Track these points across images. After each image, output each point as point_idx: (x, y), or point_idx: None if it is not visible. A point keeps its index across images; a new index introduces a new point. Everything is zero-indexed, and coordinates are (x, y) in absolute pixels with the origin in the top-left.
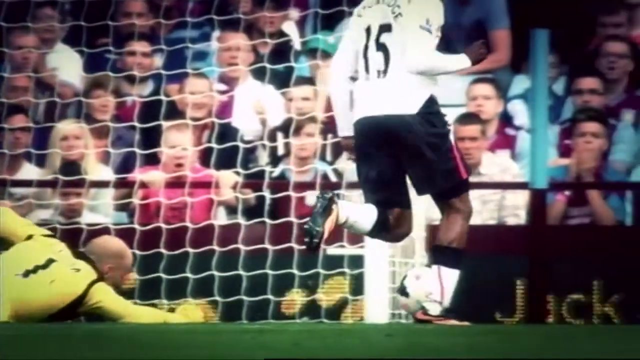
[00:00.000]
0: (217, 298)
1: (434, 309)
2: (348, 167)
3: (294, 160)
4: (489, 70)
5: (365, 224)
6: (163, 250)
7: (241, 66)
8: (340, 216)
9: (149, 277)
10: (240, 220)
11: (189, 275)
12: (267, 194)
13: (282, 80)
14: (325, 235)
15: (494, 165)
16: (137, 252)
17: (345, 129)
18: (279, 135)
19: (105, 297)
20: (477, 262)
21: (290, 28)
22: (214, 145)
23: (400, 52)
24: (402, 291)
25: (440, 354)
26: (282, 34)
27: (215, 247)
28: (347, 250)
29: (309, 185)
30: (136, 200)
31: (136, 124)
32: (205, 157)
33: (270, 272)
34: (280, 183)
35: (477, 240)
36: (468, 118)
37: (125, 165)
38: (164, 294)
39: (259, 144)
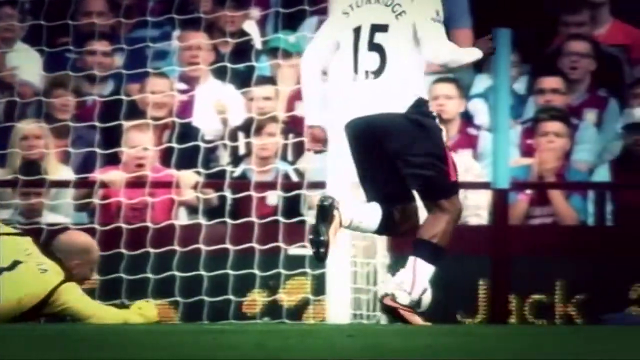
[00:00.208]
0: (178, 298)
1: (403, 298)
2: (309, 166)
3: (255, 160)
4: (451, 70)
5: (371, 224)
6: (123, 251)
7: (202, 65)
8: (344, 219)
9: (110, 277)
10: (201, 220)
11: (149, 275)
12: (228, 194)
13: (243, 80)
14: (332, 242)
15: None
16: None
17: (314, 118)
18: (240, 135)
19: (71, 297)
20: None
21: (251, 27)
22: (174, 145)
23: (399, 51)
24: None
25: (402, 355)
26: (243, 33)
27: (176, 247)
28: (308, 250)
29: (270, 185)
30: (96, 200)
31: (96, 123)
32: (165, 157)
33: (231, 272)
34: (241, 183)
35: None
36: None
37: (86, 165)
38: (125, 295)
39: (220, 144)
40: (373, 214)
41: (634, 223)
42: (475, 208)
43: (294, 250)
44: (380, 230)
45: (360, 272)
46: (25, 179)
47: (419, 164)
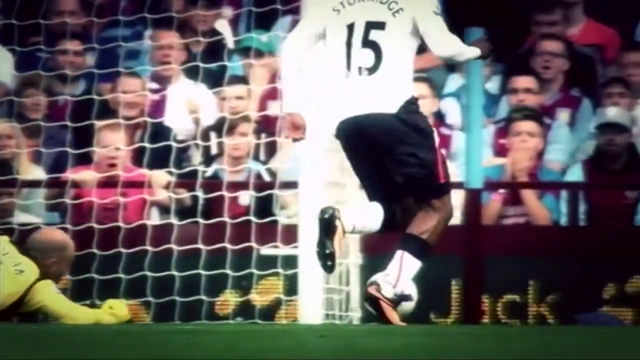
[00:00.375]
0: (150, 299)
1: (387, 291)
2: (282, 166)
3: (227, 160)
4: (424, 69)
5: (373, 225)
6: (95, 251)
7: (174, 65)
8: (346, 227)
9: (81, 277)
10: (173, 220)
11: (121, 275)
12: (200, 194)
13: (215, 79)
14: (338, 252)
15: None
16: None
17: (293, 105)
18: (212, 135)
19: (47, 297)
20: None
21: (223, 26)
22: (146, 144)
23: (396, 49)
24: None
25: (375, 355)
26: (215, 32)
27: (148, 248)
28: (280, 250)
29: (243, 185)
30: (68, 200)
31: (68, 123)
32: (137, 157)
33: (203, 272)
34: (213, 183)
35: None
36: None
37: (57, 164)
38: (96, 295)
39: (192, 144)
40: (374, 214)
41: (607, 223)
42: None
43: (266, 250)
44: (383, 229)
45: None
46: None
47: (410, 164)
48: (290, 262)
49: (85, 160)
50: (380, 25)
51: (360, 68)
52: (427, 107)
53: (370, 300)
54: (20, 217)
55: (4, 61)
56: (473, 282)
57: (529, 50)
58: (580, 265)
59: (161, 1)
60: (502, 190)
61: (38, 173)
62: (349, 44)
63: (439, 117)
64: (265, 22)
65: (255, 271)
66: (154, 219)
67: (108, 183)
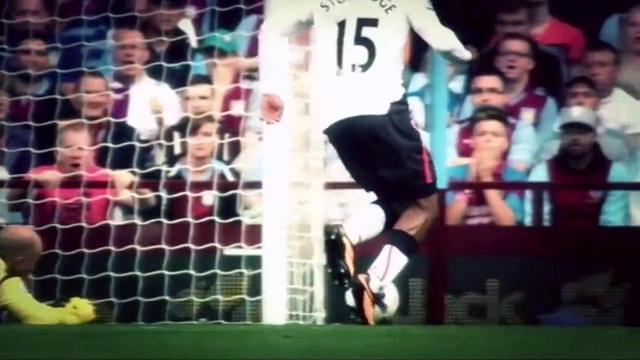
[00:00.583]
0: (113, 299)
1: (374, 284)
2: (245, 166)
3: (190, 160)
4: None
5: (377, 229)
6: (58, 251)
7: (137, 64)
8: (353, 240)
9: (44, 277)
10: (137, 220)
11: (84, 276)
12: (164, 194)
13: (178, 79)
14: (352, 268)
15: None
16: None
17: (270, 86)
18: (176, 135)
19: (14, 295)
20: None
21: (186, 26)
22: (109, 144)
23: (389, 46)
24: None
25: (339, 356)
26: (178, 32)
27: (111, 248)
28: (244, 250)
29: (206, 185)
30: (31, 200)
31: (31, 123)
32: (101, 157)
33: (166, 272)
34: (176, 183)
35: (375, 239)
36: None
37: (20, 164)
38: (59, 295)
39: (155, 143)
40: (376, 220)
41: (572, 223)
42: None
43: (229, 250)
44: (387, 228)
45: (296, 273)
46: None
47: (398, 164)
48: (254, 262)
49: (48, 160)
50: (373, 22)
51: (353, 65)
52: None
53: (356, 287)
54: None
55: None
56: (436, 282)
57: (494, 49)
58: (545, 265)
59: (124, 1)
60: (466, 191)
61: (0, 173)
62: (340, 42)
63: None
64: (228, 21)
65: (218, 271)
66: (117, 219)
67: (71, 183)
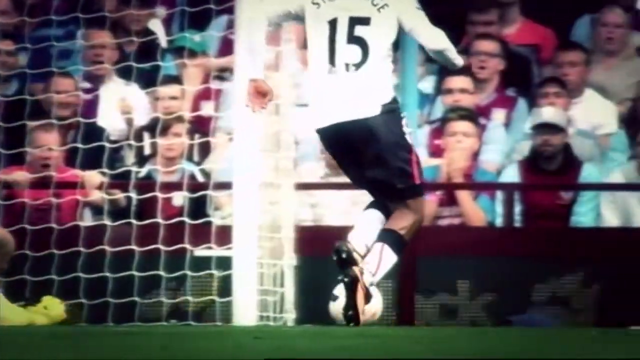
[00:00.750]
0: (83, 300)
1: (367, 278)
2: (216, 167)
3: (160, 161)
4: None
5: (378, 230)
6: (28, 252)
7: (106, 64)
8: (361, 250)
9: (13, 278)
10: (106, 221)
11: (54, 277)
12: (134, 195)
13: (148, 79)
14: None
15: None
16: None
17: (256, 71)
18: (146, 135)
19: None
20: None
21: (156, 26)
22: (79, 145)
23: (381, 44)
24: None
25: (309, 356)
26: (148, 32)
27: (81, 249)
28: (214, 251)
29: (176, 186)
30: (0, 201)
31: (0, 123)
32: (70, 157)
33: (136, 273)
34: (146, 183)
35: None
36: None
37: None
38: (29, 296)
39: (125, 144)
40: (374, 222)
41: (543, 224)
42: None
43: (200, 251)
44: None
45: (267, 274)
46: None
47: (389, 164)
48: (224, 263)
49: (17, 160)
50: (365, 21)
51: (347, 64)
52: None
53: (350, 279)
54: None
55: None
56: (407, 283)
57: (464, 50)
58: (516, 266)
59: (94, 1)
60: (437, 192)
61: None
62: (332, 40)
63: None
64: (198, 22)
65: (188, 272)
66: (87, 219)
67: (41, 184)
